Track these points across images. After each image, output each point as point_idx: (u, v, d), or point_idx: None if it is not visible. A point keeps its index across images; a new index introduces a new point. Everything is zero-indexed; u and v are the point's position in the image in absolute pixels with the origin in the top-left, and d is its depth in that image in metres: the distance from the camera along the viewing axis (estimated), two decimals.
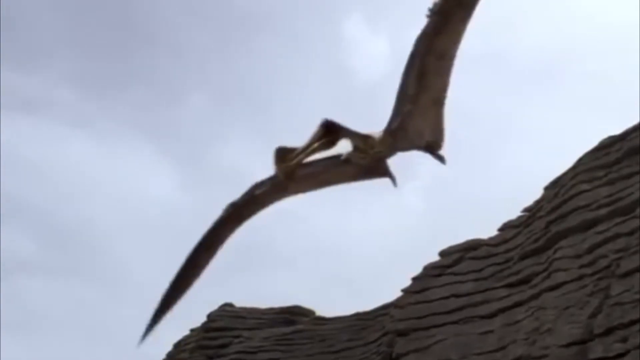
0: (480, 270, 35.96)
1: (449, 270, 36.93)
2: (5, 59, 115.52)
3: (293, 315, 44.24)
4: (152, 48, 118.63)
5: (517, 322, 32.01)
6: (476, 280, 35.66)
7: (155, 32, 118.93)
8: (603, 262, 30.30)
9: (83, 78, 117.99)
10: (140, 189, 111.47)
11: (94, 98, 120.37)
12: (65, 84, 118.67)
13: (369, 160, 6.39)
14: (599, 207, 32.09)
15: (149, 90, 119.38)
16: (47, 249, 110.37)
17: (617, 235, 30.62)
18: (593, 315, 28.94)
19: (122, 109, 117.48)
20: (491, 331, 32.85)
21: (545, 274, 32.14)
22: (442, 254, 38.33)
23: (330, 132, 6.24)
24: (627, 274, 28.71)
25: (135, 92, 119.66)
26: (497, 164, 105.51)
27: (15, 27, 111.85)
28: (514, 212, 37.81)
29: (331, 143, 6.40)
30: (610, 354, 27.26)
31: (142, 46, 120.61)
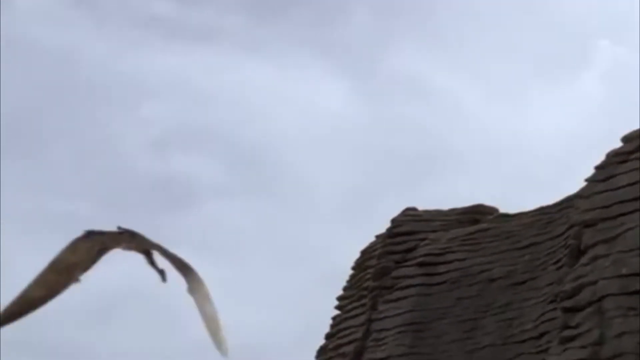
0: None
1: (634, 156, 35.81)
2: None
3: (476, 214, 44.14)
4: None
5: None
6: None
7: None
8: None
9: (251, 3, 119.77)
10: (316, 105, 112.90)
11: (263, 22, 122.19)
12: (234, 11, 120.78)
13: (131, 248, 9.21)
14: None
15: (314, 9, 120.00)
16: (234, 172, 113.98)
17: None
18: None
19: (290, 30, 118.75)
20: None
21: None
22: (625, 139, 37.13)
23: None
24: None
25: (301, 13, 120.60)
26: None
27: None
28: None
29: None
30: None
31: None
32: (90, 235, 9.29)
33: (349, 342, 42.33)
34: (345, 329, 43.43)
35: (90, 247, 9.35)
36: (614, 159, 36.68)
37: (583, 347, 32.18)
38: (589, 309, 32.78)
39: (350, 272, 46.13)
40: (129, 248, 9.40)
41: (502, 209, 43.81)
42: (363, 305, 43.08)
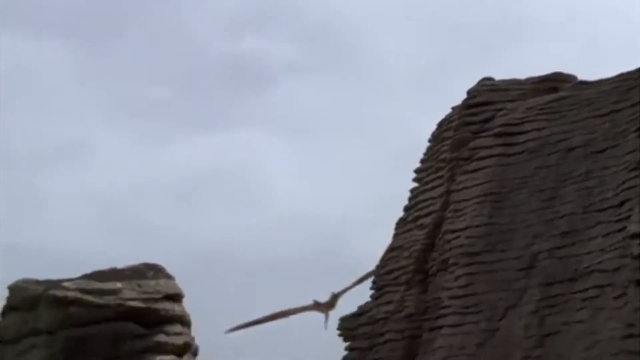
0: None
1: None
2: None
3: (554, 82, 43.46)
4: None
5: None
6: None
7: None
8: None
9: None
10: None
11: None
12: None
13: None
14: None
15: None
16: (307, 50, 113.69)
17: None
18: None
19: None
20: None
21: None
22: None
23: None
24: None
25: None
26: None
27: None
28: None
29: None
30: None
31: None
32: (311, 304, 17.50)
33: (428, 214, 42.68)
34: (423, 200, 43.71)
35: (303, 309, 17.13)
36: None
37: None
38: None
39: (427, 144, 46.13)
40: (321, 311, 17.20)
41: (581, 77, 43.09)
42: (441, 177, 43.20)
